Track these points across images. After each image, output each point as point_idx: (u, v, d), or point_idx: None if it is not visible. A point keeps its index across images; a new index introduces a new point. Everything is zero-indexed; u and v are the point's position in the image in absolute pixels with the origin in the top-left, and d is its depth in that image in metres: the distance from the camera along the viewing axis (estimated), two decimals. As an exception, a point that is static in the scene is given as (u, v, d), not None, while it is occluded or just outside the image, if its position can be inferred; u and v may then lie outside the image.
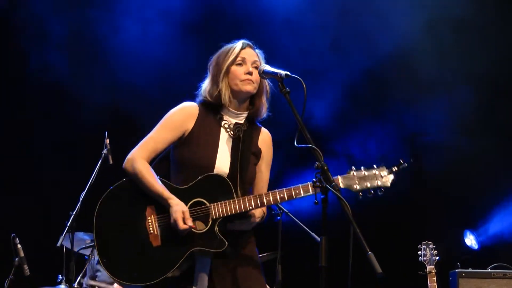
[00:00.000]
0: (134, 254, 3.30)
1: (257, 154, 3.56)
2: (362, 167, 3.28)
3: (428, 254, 5.10)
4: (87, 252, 6.09)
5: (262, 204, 3.32)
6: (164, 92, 6.98)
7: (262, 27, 7.03)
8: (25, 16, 7.03)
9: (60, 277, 5.89)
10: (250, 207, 3.28)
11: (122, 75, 7.07)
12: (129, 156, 3.45)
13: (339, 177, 3.27)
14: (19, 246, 5.41)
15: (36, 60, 7.05)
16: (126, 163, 3.43)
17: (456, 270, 5.46)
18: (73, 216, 5.13)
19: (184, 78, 6.32)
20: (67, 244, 5.25)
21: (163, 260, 3.26)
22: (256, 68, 3.46)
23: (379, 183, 3.25)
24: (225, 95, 3.47)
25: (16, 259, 5.37)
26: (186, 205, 3.29)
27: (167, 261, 3.25)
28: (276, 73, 3.24)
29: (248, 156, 3.47)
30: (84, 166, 5.71)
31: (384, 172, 3.27)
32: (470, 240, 7.51)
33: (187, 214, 3.24)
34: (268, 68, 3.34)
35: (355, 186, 3.25)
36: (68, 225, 5.11)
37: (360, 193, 3.26)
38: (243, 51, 3.51)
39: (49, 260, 6.27)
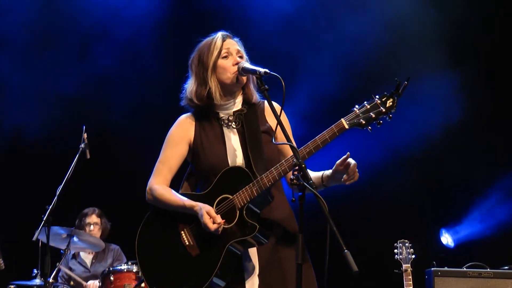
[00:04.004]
0: (180, 271, 3.32)
1: (269, 130, 3.41)
2: (364, 101, 3.13)
3: (404, 252, 5.12)
4: (62, 246, 6.07)
5: (280, 175, 3.15)
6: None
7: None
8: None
9: (35, 271, 5.85)
10: (269, 183, 3.16)
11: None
12: (147, 188, 3.45)
13: (342, 120, 3.10)
14: (-6, 240, 5.37)
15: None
16: (147, 195, 3.45)
17: (432, 268, 5.48)
18: (49, 210, 5.08)
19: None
20: (43, 238, 5.21)
21: (205, 264, 3.24)
22: (241, 57, 3.40)
23: (384, 110, 3.09)
24: (216, 92, 3.37)
25: (-9, 253, 5.33)
26: (213, 206, 3.26)
27: (209, 263, 3.23)
28: (255, 71, 3.22)
29: (257, 137, 3.36)
30: (62, 160, 5.67)
31: (385, 98, 3.10)
32: (446, 239, 7.57)
33: (213, 213, 3.20)
34: (247, 65, 3.30)
35: (361, 121, 3.09)
36: (44, 219, 5.07)
37: (369, 127, 3.11)
38: (225, 43, 3.42)
39: (24, 254, 6.22)
